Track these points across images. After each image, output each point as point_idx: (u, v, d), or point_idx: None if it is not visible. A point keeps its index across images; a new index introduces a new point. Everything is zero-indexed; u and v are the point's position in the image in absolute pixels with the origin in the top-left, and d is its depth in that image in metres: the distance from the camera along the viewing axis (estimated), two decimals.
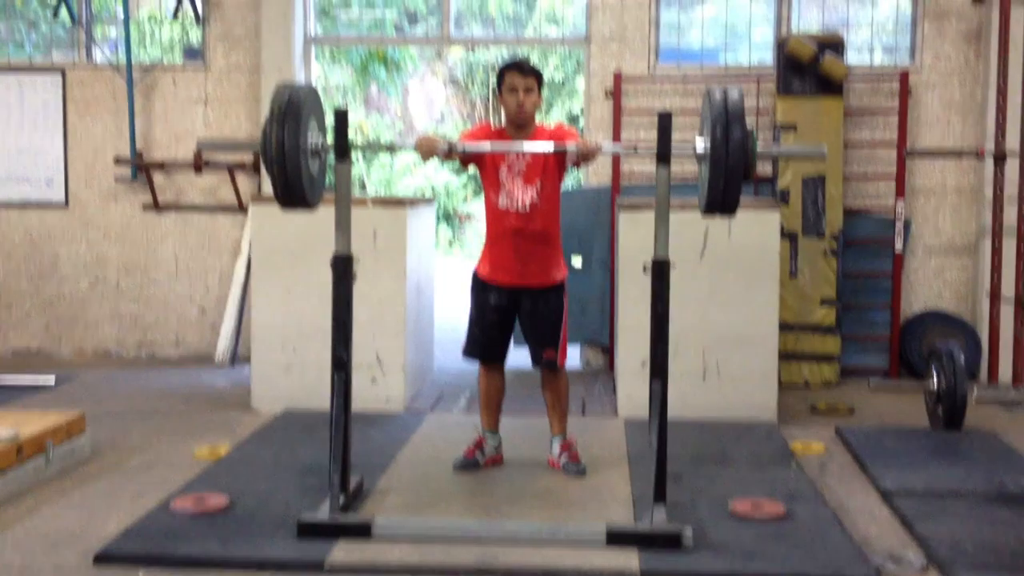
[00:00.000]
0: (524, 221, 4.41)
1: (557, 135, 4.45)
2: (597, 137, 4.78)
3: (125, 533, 3.76)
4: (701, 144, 3.80)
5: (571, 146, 4.17)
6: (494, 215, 4.48)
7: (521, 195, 4.39)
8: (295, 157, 3.73)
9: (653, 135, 3.90)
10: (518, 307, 4.57)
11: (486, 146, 4.36)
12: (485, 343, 4.65)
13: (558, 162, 4.40)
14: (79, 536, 3.81)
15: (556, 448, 4.67)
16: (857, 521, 4.07)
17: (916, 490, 4.34)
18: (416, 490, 4.36)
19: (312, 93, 3.96)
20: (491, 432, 4.74)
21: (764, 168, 6.94)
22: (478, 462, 4.66)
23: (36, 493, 4.32)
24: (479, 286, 4.62)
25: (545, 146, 4.26)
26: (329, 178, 4.22)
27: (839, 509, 4.16)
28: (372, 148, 13.87)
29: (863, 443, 5.12)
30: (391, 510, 4.08)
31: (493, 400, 4.75)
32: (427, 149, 4.13)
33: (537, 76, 4.40)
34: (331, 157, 3.99)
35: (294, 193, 3.83)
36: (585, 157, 4.23)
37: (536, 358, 4.60)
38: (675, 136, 3.87)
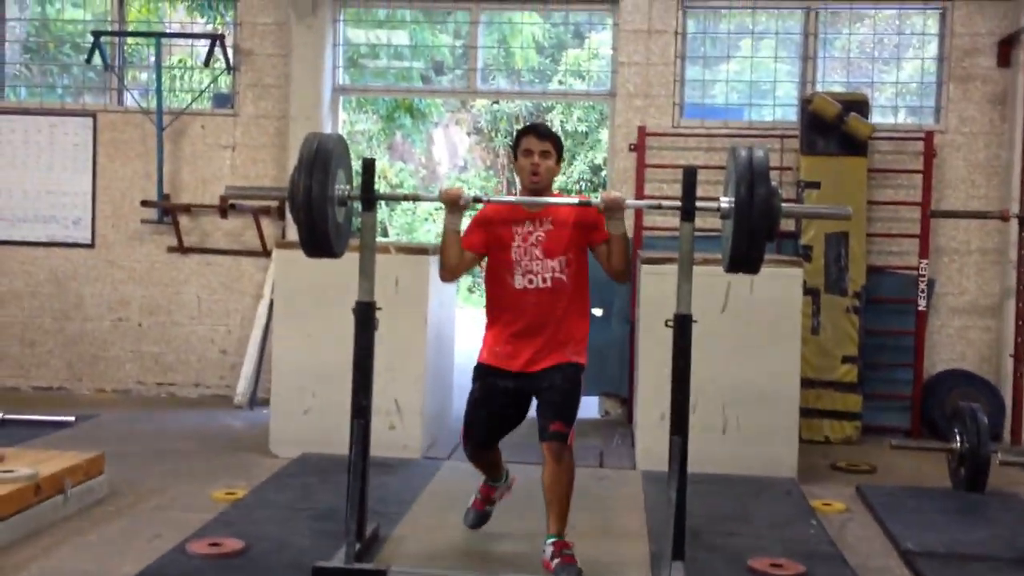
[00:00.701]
0: (548, 297, 4.04)
1: (577, 210, 4.10)
2: (621, 190, 4.74)
3: (140, 575, 3.76)
4: (726, 202, 3.73)
5: (595, 198, 4.03)
6: (510, 299, 4.09)
7: (541, 269, 4.04)
8: (322, 206, 3.76)
9: (676, 189, 3.90)
10: (536, 392, 4.08)
11: (510, 198, 4.35)
12: (488, 426, 4.17)
13: (584, 237, 4.07)
14: None
15: (550, 549, 3.91)
16: None
17: (938, 552, 4.29)
18: (432, 538, 4.35)
19: (340, 142, 4.00)
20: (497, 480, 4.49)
21: (787, 224, 6.95)
22: (488, 513, 4.44)
23: (53, 532, 4.33)
24: (485, 371, 4.15)
25: (569, 199, 4.25)
26: (354, 223, 4.24)
27: (860, 569, 4.12)
28: (398, 198, 13.98)
29: (884, 503, 5.07)
30: (407, 558, 4.06)
31: (492, 466, 4.38)
32: (452, 199, 3.99)
33: (555, 141, 4.12)
34: (357, 205, 4.03)
35: (320, 242, 3.85)
36: (611, 209, 3.92)
37: (544, 431, 3.97)
38: (698, 191, 3.86)
